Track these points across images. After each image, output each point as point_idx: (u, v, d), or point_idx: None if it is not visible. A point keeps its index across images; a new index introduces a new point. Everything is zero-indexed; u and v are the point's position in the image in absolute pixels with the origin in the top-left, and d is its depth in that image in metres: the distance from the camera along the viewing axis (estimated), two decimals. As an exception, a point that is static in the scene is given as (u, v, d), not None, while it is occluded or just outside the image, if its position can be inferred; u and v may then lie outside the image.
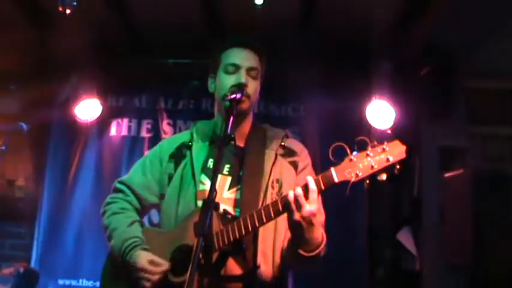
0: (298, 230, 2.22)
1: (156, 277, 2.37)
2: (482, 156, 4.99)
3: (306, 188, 2.17)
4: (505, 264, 4.23)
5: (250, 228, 2.24)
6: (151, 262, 2.39)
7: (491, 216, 4.28)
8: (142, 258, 2.41)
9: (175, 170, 2.60)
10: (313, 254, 2.28)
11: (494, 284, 4.21)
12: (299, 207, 2.16)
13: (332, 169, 2.16)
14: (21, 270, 4.39)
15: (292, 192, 2.17)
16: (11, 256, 4.95)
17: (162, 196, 2.63)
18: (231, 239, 2.25)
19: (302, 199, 2.15)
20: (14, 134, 4.82)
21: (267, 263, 2.40)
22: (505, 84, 5.09)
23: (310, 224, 2.20)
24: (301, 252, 2.28)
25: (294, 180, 2.53)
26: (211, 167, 2.52)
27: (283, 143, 2.61)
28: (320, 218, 2.44)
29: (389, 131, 1.95)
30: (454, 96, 4.80)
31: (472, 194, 4.39)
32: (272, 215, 2.22)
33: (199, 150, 2.61)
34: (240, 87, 2.44)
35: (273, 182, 2.48)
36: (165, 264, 2.38)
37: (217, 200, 2.08)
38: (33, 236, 4.96)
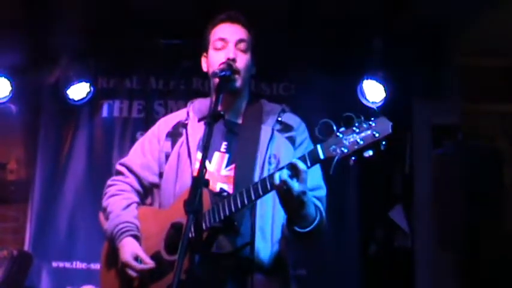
0: (291, 209, 2.23)
1: (135, 274, 2.39)
2: (474, 133, 5.00)
3: (294, 169, 2.15)
4: (497, 241, 4.26)
5: (240, 206, 2.23)
6: (136, 258, 2.42)
7: (483, 193, 4.30)
8: (127, 251, 2.43)
9: (172, 148, 2.61)
10: (309, 229, 2.29)
11: (486, 261, 4.24)
12: (289, 189, 2.14)
13: (318, 146, 2.15)
14: (15, 253, 4.38)
15: (278, 176, 2.15)
16: (3, 239, 4.94)
17: (161, 175, 2.64)
18: (221, 216, 2.25)
19: (289, 183, 2.13)
20: (4, 116, 4.80)
21: (265, 240, 2.40)
22: (497, 62, 5.09)
23: (301, 202, 2.19)
24: (296, 229, 2.28)
25: (292, 155, 2.51)
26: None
27: (279, 118, 2.60)
28: (320, 193, 2.48)
29: (380, 108, 1.93)
30: (447, 73, 4.79)
31: (464, 171, 4.40)
32: (261, 192, 2.21)
33: (195, 128, 2.60)
34: (229, 64, 2.43)
35: (270, 158, 2.47)
36: (149, 263, 2.39)
37: (215, 177, 2.09)
38: (26, 218, 4.93)
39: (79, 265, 4.76)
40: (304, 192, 2.17)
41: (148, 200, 2.90)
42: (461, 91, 4.88)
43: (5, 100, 4.71)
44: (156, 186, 2.69)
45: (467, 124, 4.92)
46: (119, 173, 2.73)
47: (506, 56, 5.00)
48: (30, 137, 4.99)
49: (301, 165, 2.14)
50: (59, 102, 4.90)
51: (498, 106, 5.17)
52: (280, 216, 2.44)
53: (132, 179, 2.68)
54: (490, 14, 4.33)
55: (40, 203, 4.89)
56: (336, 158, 2.09)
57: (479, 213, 4.30)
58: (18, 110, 4.89)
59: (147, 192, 2.74)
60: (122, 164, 2.74)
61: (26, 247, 4.81)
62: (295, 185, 2.13)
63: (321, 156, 2.13)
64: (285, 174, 2.13)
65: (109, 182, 2.74)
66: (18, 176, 5.06)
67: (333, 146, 2.10)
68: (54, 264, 4.78)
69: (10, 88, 4.68)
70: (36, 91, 4.92)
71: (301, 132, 2.62)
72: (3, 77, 4.66)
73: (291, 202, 2.18)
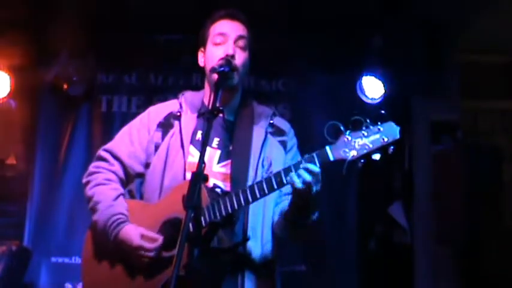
0: (303, 206, 2.27)
1: (152, 253, 2.35)
2: (474, 130, 5.01)
3: (308, 171, 2.18)
4: (496, 237, 4.27)
5: (243, 203, 2.26)
6: (144, 237, 2.37)
7: (482, 189, 4.31)
8: (134, 234, 2.38)
9: (162, 139, 2.58)
10: (310, 220, 2.34)
11: (486, 256, 4.25)
12: (310, 189, 2.18)
13: (327, 147, 2.19)
14: (14, 248, 4.39)
15: (299, 180, 2.17)
16: (3, 235, 4.92)
17: (147, 165, 2.60)
18: (223, 212, 2.26)
19: (313, 184, 2.17)
20: (3, 112, 4.80)
21: (255, 239, 2.41)
22: (496, 58, 5.09)
23: (314, 199, 2.25)
24: (298, 221, 2.32)
25: (283, 159, 2.54)
26: (200, 139, 2.51)
27: (272, 121, 2.61)
28: None
29: (383, 111, 1.95)
30: (446, 70, 4.79)
31: (463, 167, 4.41)
32: (266, 191, 2.24)
33: (188, 120, 2.59)
34: (228, 60, 2.42)
35: (263, 161, 2.48)
36: (158, 239, 2.36)
37: (206, 173, 2.07)
38: (26, 214, 4.93)
39: (78, 260, 4.75)
40: (318, 191, 2.22)
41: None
42: (461, 88, 4.88)
43: (4, 96, 4.71)
44: (141, 176, 2.63)
45: (467, 121, 4.93)
46: (103, 159, 2.64)
47: (505, 53, 5.00)
48: (29, 133, 4.98)
49: (315, 168, 2.17)
50: (58, 97, 4.91)
51: (498, 103, 5.17)
52: (270, 216, 2.47)
53: (117, 167, 2.61)
54: (489, 11, 4.32)
55: (39, 199, 4.90)
56: (348, 160, 2.14)
57: (479, 210, 4.31)
58: (18, 105, 4.88)
59: (129, 181, 2.67)
60: (107, 150, 2.65)
61: (25, 242, 4.81)
62: (314, 186, 2.19)
63: (331, 157, 2.18)
64: (307, 176, 2.16)
65: (92, 169, 2.64)
66: (17, 171, 5.05)
67: (344, 149, 2.16)
68: (54, 259, 4.79)
69: (10, 84, 4.69)
70: (36, 87, 4.92)
71: (292, 137, 2.65)
72: (2, 73, 4.66)
73: (307, 200, 2.23)
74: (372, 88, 4.58)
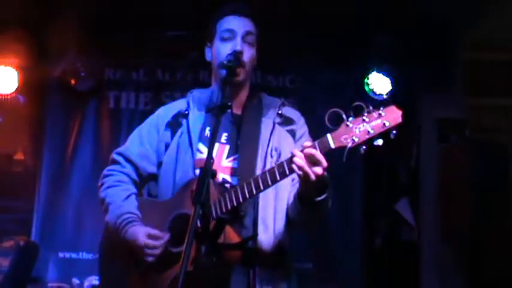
0: (311, 191, 2.24)
1: (158, 250, 2.37)
2: (479, 127, 5.00)
3: (313, 159, 2.15)
4: (503, 234, 4.26)
5: (247, 195, 2.24)
6: (150, 236, 2.39)
7: (489, 186, 4.30)
8: (140, 233, 2.40)
9: (171, 138, 2.59)
10: (323, 197, 2.28)
11: (492, 253, 4.24)
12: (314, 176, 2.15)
13: (328, 135, 2.14)
14: (21, 243, 4.41)
15: (312, 171, 2.14)
16: (10, 230, 4.96)
17: (159, 165, 2.61)
18: (229, 206, 2.25)
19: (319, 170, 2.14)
20: (11, 107, 4.82)
21: (267, 232, 2.40)
22: (502, 55, 5.08)
23: (322, 181, 2.21)
24: (310, 196, 2.27)
25: (292, 148, 2.48)
26: (208, 135, 2.52)
27: (280, 111, 2.60)
28: None
29: (385, 96, 1.93)
30: (452, 67, 4.79)
31: (469, 164, 4.41)
32: (270, 182, 2.22)
33: (196, 118, 2.59)
34: (236, 55, 2.42)
35: (272, 151, 2.48)
36: (164, 236, 2.38)
37: (215, 168, 2.07)
38: (33, 209, 4.96)
39: (85, 256, 4.79)
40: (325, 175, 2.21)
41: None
42: (466, 85, 4.88)
43: (12, 91, 4.73)
44: (154, 176, 2.65)
45: (473, 118, 4.92)
46: (116, 162, 2.67)
47: (510, 51, 4.99)
48: (37, 128, 5.01)
49: (319, 156, 2.14)
50: (66, 93, 4.93)
51: (503, 100, 5.17)
52: (283, 208, 2.46)
53: (129, 169, 2.63)
54: (493, 9, 4.32)
55: (47, 194, 4.93)
56: (348, 147, 2.10)
57: (485, 205, 4.30)
58: (26, 101, 4.90)
59: (143, 182, 2.70)
60: (119, 153, 2.67)
61: (33, 238, 4.84)
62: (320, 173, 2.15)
63: (332, 145, 2.13)
64: (319, 169, 2.14)
65: (105, 172, 2.67)
66: (25, 167, 5.07)
67: (344, 135, 2.11)
68: (61, 254, 4.83)
69: (18, 79, 4.70)
70: (44, 82, 4.95)
71: (301, 125, 2.63)
72: (11, 69, 4.68)
73: (314, 185, 2.20)
74: (379, 85, 4.59)
